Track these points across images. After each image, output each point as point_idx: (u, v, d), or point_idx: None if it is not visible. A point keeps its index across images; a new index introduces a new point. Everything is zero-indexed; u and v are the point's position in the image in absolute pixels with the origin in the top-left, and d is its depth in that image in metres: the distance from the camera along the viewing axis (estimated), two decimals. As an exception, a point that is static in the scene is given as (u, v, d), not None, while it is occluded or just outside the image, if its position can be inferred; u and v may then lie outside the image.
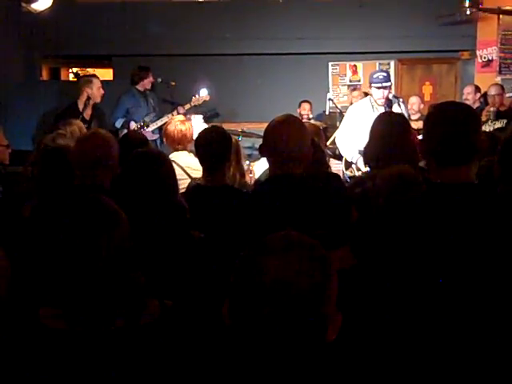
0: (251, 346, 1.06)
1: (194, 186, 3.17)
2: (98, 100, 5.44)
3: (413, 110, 7.09)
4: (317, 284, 1.06)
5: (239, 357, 1.08)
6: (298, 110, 7.64)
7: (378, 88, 4.84)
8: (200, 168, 3.68)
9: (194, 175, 3.79)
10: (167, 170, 2.40)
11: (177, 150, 4.01)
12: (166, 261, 2.03)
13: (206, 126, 5.19)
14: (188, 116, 5.47)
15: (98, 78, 5.69)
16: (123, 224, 1.45)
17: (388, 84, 4.89)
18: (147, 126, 6.03)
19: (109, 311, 1.34)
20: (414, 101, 7.26)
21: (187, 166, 3.83)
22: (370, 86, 4.95)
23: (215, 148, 2.79)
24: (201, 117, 5.66)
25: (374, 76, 4.92)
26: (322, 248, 1.13)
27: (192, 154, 4.05)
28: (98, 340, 1.32)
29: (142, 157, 2.43)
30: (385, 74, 4.95)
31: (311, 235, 1.57)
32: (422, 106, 7.29)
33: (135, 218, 2.19)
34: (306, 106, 7.62)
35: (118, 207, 1.49)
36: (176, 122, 4.13)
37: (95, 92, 5.44)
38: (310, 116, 7.60)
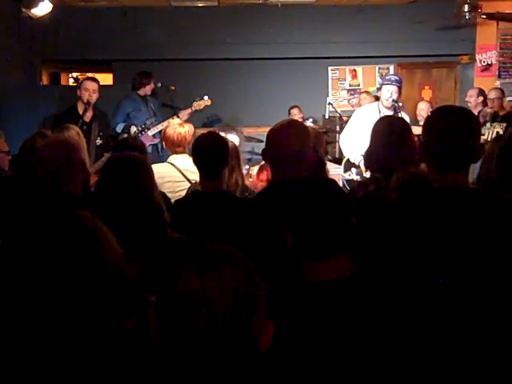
0: (181, 365, 1.03)
1: (193, 192, 3.17)
2: (85, 101, 5.41)
3: (421, 115, 7.03)
4: (242, 298, 1.02)
5: (169, 375, 1.05)
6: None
7: (386, 85, 4.91)
8: (194, 171, 3.71)
9: (191, 177, 3.81)
10: (141, 173, 2.41)
11: (176, 153, 4.02)
12: (142, 262, 2.01)
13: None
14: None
15: (90, 80, 5.61)
16: (103, 236, 1.37)
17: (396, 83, 4.95)
18: (148, 129, 6.02)
19: (112, 316, 1.33)
20: (422, 106, 7.17)
21: (185, 168, 3.85)
22: (381, 88, 5.03)
23: (212, 153, 2.78)
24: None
25: (387, 77, 5.07)
26: (246, 259, 1.09)
27: (191, 158, 4.06)
28: (111, 342, 1.31)
29: (115, 161, 2.47)
30: (396, 77, 5.12)
31: (315, 242, 1.57)
32: (430, 111, 7.25)
33: (111, 221, 2.21)
34: (294, 111, 7.50)
35: (94, 217, 1.40)
36: (175, 126, 4.15)
37: (81, 93, 5.42)
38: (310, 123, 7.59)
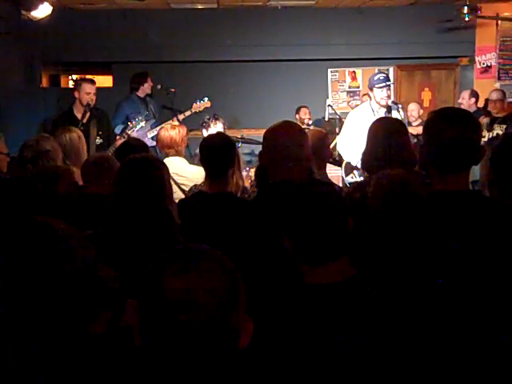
0: (163, 363, 1.05)
1: (197, 192, 3.15)
2: (85, 104, 5.40)
3: (412, 116, 7.11)
4: (223, 298, 1.05)
5: (152, 374, 1.07)
6: (297, 116, 7.65)
7: (381, 88, 4.89)
8: (182, 174, 3.70)
9: (180, 181, 3.85)
10: (153, 176, 2.40)
11: (167, 155, 4.03)
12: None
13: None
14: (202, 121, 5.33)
15: (89, 82, 5.59)
16: (73, 251, 1.35)
17: (389, 83, 4.99)
18: (142, 122, 5.92)
19: (78, 321, 1.33)
20: (413, 107, 7.27)
21: (174, 172, 3.83)
22: (372, 89, 4.97)
23: (219, 154, 2.78)
24: (221, 125, 5.45)
25: (375, 78, 5.00)
26: (226, 259, 1.11)
27: (185, 160, 4.07)
28: (78, 347, 1.31)
29: (131, 163, 2.46)
30: (384, 75, 5.09)
31: (312, 245, 1.57)
32: (421, 111, 7.31)
33: (122, 222, 2.20)
34: (305, 110, 7.66)
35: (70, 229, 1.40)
36: (167, 127, 4.18)
37: (82, 96, 5.40)
38: (310, 122, 7.62)
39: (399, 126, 2.98)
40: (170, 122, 5.94)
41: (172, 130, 4.08)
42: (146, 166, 2.35)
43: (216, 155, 2.77)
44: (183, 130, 4.14)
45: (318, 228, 1.56)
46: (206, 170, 2.86)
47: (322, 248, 1.57)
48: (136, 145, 3.69)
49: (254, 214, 2.49)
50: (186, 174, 3.87)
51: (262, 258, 2.14)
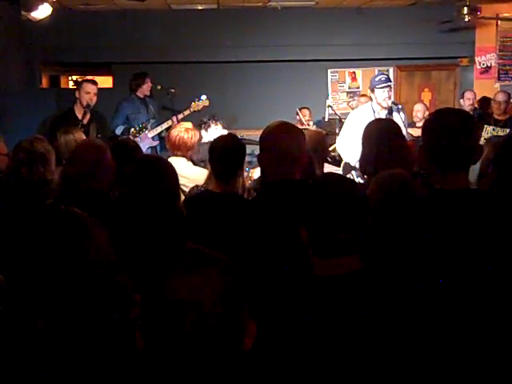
0: (165, 366, 1.05)
1: (204, 191, 3.12)
2: (85, 104, 5.41)
3: (417, 117, 7.05)
4: (228, 298, 1.05)
5: (155, 376, 1.07)
6: (298, 117, 7.65)
7: (383, 88, 4.88)
8: (184, 175, 3.72)
9: (181, 181, 3.81)
10: (169, 176, 2.40)
11: (175, 155, 4.00)
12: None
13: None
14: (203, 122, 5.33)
15: (90, 82, 5.59)
16: (97, 237, 1.40)
17: (390, 83, 4.97)
18: (145, 129, 6.00)
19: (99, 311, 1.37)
20: (418, 108, 7.19)
21: (180, 174, 3.81)
22: (373, 90, 4.96)
23: (229, 156, 2.78)
24: (220, 126, 5.30)
25: (376, 79, 4.99)
26: (228, 261, 1.11)
27: (190, 163, 4.04)
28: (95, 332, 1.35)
29: (145, 162, 2.44)
30: (385, 76, 5.07)
31: (329, 238, 1.57)
32: (426, 113, 7.26)
33: (134, 222, 2.19)
34: (305, 111, 7.64)
35: (92, 220, 1.45)
36: (180, 129, 4.08)
37: (82, 96, 5.41)
38: (310, 123, 7.61)
39: (392, 127, 2.99)
40: (170, 121, 5.96)
41: (185, 133, 3.99)
42: (162, 165, 2.35)
43: (228, 157, 2.76)
44: (196, 136, 4.05)
45: (338, 221, 1.57)
46: (214, 170, 2.83)
47: (338, 242, 1.58)
48: (126, 145, 3.70)
49: (260, 213, 2.48)
50: (188, 174, 3.85)
51: (269, 256, 2.14)
